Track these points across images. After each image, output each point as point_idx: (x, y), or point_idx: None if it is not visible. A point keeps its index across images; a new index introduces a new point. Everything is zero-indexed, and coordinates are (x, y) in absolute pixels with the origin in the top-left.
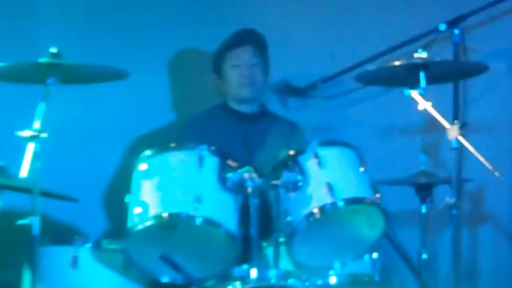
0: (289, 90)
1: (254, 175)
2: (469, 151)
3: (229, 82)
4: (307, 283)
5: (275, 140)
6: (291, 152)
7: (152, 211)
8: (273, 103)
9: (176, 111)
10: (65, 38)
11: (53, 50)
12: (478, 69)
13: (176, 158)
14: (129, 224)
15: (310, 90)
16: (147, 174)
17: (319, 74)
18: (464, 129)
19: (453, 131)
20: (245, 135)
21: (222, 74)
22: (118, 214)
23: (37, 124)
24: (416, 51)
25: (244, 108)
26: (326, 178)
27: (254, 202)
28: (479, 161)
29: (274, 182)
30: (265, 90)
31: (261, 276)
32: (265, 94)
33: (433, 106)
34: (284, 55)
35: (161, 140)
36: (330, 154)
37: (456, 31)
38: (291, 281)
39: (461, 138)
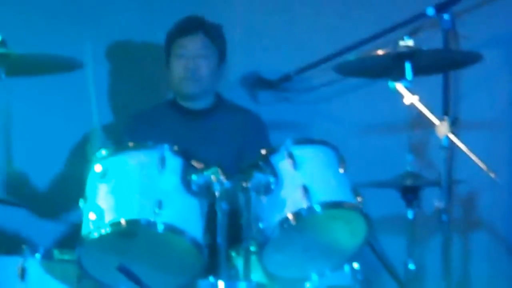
0: (260, 83)
1: (221, 177)
2: (460, 150)
3: (174, 74)
4: None
5: (231, 133)
6: (263, 152)
7: (109, 218)
8: (242, 97)
9: (131, 105)
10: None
11: None
12: (470, 58)
13: (135, 159)
14: (83, 231)
15: (283, 82)
16: (102, 177)
17: (293, 65)
18: (455, 125)
19: (442, 128)
20: (196, 133)
21: (169, 63)
22: (71, 220)
23: None
24: (401, 39)
25: (193, 104)
26: (302, 180)
27: (221, 207)
28: (471, 161)
29: (244, 184)
30: (218, 82)
31: None
32: (222, 86)
33: (420, 100)
34: (254, 45)
35: (114, 138)
36: (306, 153)
37: (446, 16)
38: None
39: (451, 136)
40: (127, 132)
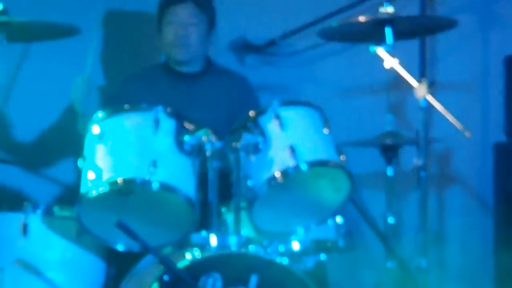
0: (246, 48)
1: (212, 137)
2: (437, 110)
3: (165, 40)
4: (268, 250)
5: (220, 95)
6: (251, 113)
7: (106, 176)
8: (230, 61)
9: (126, 69)
10: None
11: None
12: (446, 24)
13: (130, 120)
14: (82, 190)
15: (269, 47)
16: (100, 138)
17: (278, 30)
18: (432, 87)
19: (421, 90)
20: (187, 95)
21: (160, 30)
22: (70, 179)
23: None
24: (381, 5)
25: (184, 68)
26: (288, 140)
27: (213, 166)
28: (446, 120)
29: (233, 144)
30: (208, 48)
31: (221, 243)
32: (211, 50)
33: (399, 63)
34: (240, 11)
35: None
36: (292, 115)
37: None
38: (252, 247)
39: (429, 97)
40: (121, 93)
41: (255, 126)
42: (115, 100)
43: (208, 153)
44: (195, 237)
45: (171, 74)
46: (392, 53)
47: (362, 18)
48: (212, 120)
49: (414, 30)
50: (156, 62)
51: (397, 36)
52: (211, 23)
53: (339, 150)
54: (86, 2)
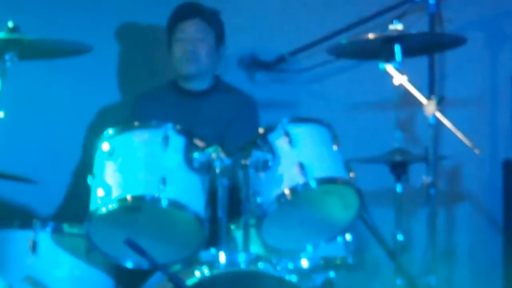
0: (256, 65)
1: (222, 154)
2: (445, 127)
3: (174, 57)
4: (277, 267)
5: (224, 113)
6: (261, 130)
7: (115, 193)
8: (239, 78)
9: (139, 86)
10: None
11: (10, 24)
12: (455, 41)
13: (140, 137)
14: (92, 207)
15: (278, 64)
16: (109, 155)
17: (288, 47)
18: (441, 104)
19: (430, 107)
20: (195, 113)
21: (170, 46)
22: (80, 196)
23: None
24: (390, 23)
25: (192, 85)
26: (298, 157)
27: (222, 183)
28: (455, 137)
29: (243, 161)
30: (218, 64)
31: (230, 261)
32: (221, 67)
33: (408, 80)
34: (249, 28)
35: (121, 118)
36: (302, 131)
37: (431, 1)
38: (261, 265)
39: (438, 114)
40: (132, 112)
41: (264, 143)
42: (128, 117)
43: (217, 170)
44: (204, 255)
45: (178, 92)
46: (401, 70)
47: (371, 35)
48: (216, 138)
49: (423, 47)
50: (169, 78)
51: (406, 53)
52: (219, 38)
53: (348, 167)
54: (97, 20)
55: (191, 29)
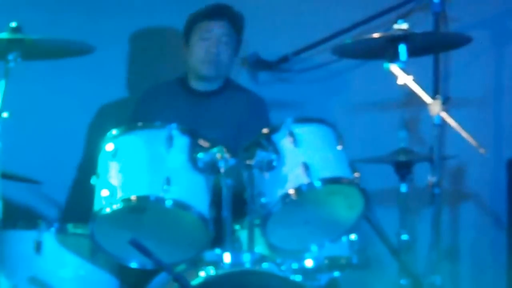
0: (259, 64)
1: (226, 155)
2: (450, 127)
3: (194, 55)
4: (282, 267)
5: (234, 114)
6: (265, 130)
7: (120, 194)
8: (243, 77)
9: (142, 86)
10: (25, 12)
11: (13, 24)
12: (460, 40)
13: (144, 137)
14: (96, 207)
15: (282, 63)
16: (114, 155)
17: (291, 46)
18: (446, 104)
19: (435, 107)
20: (204, 113)
21: (189, 44)
22: (84, 196)
23: None
24: (394, 22)
25: (203, 86)
26: (302, 157)
27: (226, 183)
28: (460, 137)
29: (247, 162)
30: (231, 68)
31: (235, 261)
32: (232, 70)
33: (413, 80)
34: (253, 27)
35: (125, 118)
36: (306, 131)
37: (436, 0)
38: (265, 265)
39: (443, 114)
40: (138, 108)
41: (268, 143)
42: (133, 114)
43: (222, 170)
44: (208, 255)
45: (187, 91)
46: (406, 69)
47: (376, 35)
48: (226, 138)
49: (428, 46)
50: (173, 77)
51: (411, 52)
52: (238, 44)
53: (353, 167)
54: (100, 20)
55: (218, 30)
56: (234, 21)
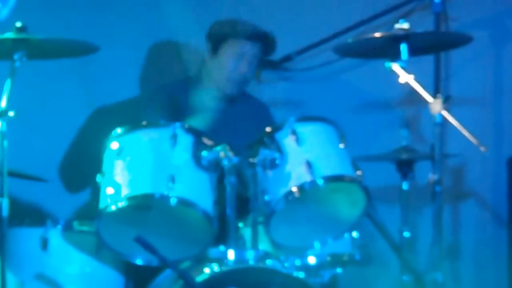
0: (262, 63)
1: (230, 153)
2: (451, 125)
3: (221, 68)
4: (285, 264)
5: (245, 122)
6: (268, 129)
7: (125, 192)
8: None
9: (146, 86)
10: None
11: (19, 24)
12: (460, 39)
13: (148, 136)
14: (101, 205)
15: (284, 62)
16: (118, 154)
17: (294, 46)
18: (447, 102)
19: (436, 105)
20: (217, 115)
21: (218, 54)
22: (90, 194)
23: (3, 102)
24: (396, 22)
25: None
26: (305, 155)
27: (230, 181)
28: (461, 135)
29: (250, 160)
30: None
31: (239, 258)
32: None
33: (414, 79)
34: None
35: (131, 117)
36: (308, 130)
37: None
38: (269, 262)
39: (444, 113)
40: (148, 105)
41: (271, 141)
42: (144, 110)
43: (225, 168)
44: (213, 252)
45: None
46: (407, 69)
47: (377, 34)
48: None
49: (429, 46)
50: (176, 78)
51: (412, 52)
52: (259, 64)
53: (355, 165)
54: (105, 20)
55: (252, 51)
56: (267, 46)
